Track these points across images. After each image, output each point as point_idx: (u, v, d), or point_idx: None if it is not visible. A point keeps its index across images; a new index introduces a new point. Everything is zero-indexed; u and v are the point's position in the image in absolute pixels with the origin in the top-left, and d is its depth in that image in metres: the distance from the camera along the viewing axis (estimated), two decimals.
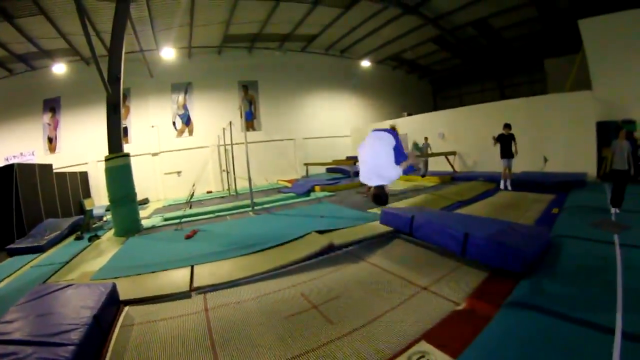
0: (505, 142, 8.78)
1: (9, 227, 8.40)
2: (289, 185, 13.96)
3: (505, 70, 20.30)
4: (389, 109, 20.46)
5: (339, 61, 19.38)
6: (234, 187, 13.69)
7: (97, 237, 7.92)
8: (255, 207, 9.56)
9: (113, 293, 3.81)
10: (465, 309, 3.30)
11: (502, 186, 8.77)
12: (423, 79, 23.79)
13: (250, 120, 17.40)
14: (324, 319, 3.27)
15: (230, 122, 11.83)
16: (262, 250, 5.37)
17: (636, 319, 2.61)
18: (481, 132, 11.58)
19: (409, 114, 17.36)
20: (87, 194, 13.81)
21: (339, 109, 19.38)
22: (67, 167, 13.40)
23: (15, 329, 2.85)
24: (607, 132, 9.31)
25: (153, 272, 4.83)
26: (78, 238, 8.01)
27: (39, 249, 7.13)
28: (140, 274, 4.80)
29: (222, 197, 13.49)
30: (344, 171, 14.97)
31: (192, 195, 9.01)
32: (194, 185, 13.20)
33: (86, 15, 8.59)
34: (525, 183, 9.16)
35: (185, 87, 16.34)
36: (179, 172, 16.00)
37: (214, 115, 16.02)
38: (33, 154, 14.61)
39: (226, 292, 4.04)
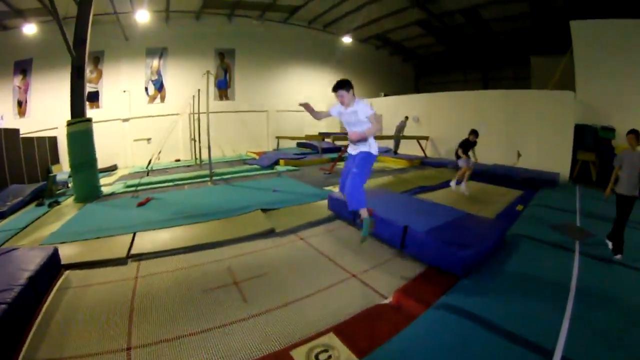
0: (465, 147, 7.81)
1: None
2: (257, 157, 14.29)
3: (490, 62, 20.58)
4: (369, 88, 20.58)
5: (321, 36, 19.28)
6: (200, 156, 13.99)
7: (58, 203, 8.29)
8: (215, 178, 9.93)
9: (53, 257, 4.25)
10: (390, 304, 3.22)
11: (452, 185, 7.79)
12: (407, 62, 23.86)
13: (224, 89, 17.39)
14: (240, 297, 3.41)
15: (199, 90, 12.00)
16: (206, 221, 5.85)
17: (580, 346, 2.42)
18: (457, 120, 11.95)
19: (386, 95, 17.62)
20: (56, 160, 13.90)
21: (317, 84, 19.36)
22: (36, 131, 13.32)
23: None
24: (584, 135, 9.71)
25: (98, 237, 5.28)
26: (39, 204, 8.34)
27: (0, 215, 7.51)
28: (86, 240, 5.24)
29: (188, 166, 13.76)
30: (313, 147, 15.33)
31: (150, 163, 9.32)
32: (159, 152, 13.53)
33: None
34: (495, 176, 9.22)
35: (160, 52, 16.15)
36: (148, 139, 16.05)
37: (187, 82, 15.95)
38: (2, 118, 14.43)
39: (159, 260, 4.47)
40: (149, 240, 5.08)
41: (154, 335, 2.87)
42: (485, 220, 4.82)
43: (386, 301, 3.26)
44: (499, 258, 3.93)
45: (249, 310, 3.15)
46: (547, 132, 10.21)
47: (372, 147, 3.77)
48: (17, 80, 14.49)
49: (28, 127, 13.41)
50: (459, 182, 7.71)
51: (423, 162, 11.92)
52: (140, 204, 7.34)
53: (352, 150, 3.91)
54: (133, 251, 4.69)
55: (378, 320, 2.95)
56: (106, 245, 5.00)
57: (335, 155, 12.51)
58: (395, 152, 13.56)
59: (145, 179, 9.78)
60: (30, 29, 13.35)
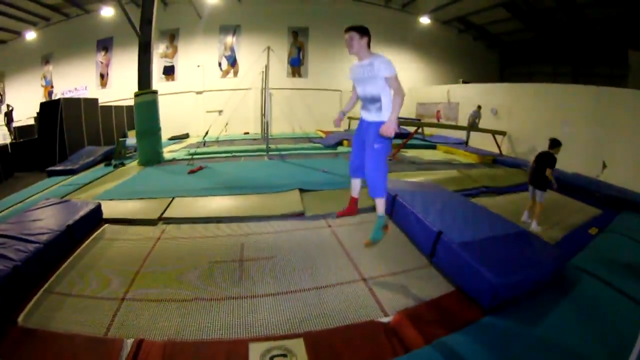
0: (540, 163, 5.45)
1: (52, 152, 10.31)
2: (324, 136, 14.43)
3: (583, 56, 18.05)
4: (448, 74, 19.47)
5: (399, 16, 18.54)
6: (267, 130, 14.54)
7: (123, 164, 9.31)
8: (272, 153, 10.30)
9: (96, 211, 4.87)
10: (388, 325, 2.73)
11: (524, 218, 5.67)
12: (492, 50, 21.98)
13: (297, 67, 17.75)
14: (238, 275, 3.45)
15: (265, 66, 12.43)
16: (243, 194, 6.13)
17: None
18: (538, 116, 10.73)
19: (464, 82, 16.59)
20: (132, 126, 15.48)
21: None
22: (115, 100, 15.05)
23: (12, 228, 3.95)
24: None
25: (141, 198, 5.87)
26: (107, 165, 9.44)
27: (72, 172, 8.66)
28: (130, 199, 5.88)
29: (254, 139, 14.41)
30: None
31: (206, 134, 9.98)
32: (226, 124, 14.33)
33: None
34: (571, 187, 7.67)
35: (234, 29, 16.97)
36: (220, 111, 17.05)
37: (260, 58, 16.56)
38: (86, 89, 17.15)
39: (185, 226, 4.79)
40: (183, 206, 5.49)
41: (148, 293, 3.15)
42: (543, 243, 3.77)
43: (384, 320, 2.76)
44: (546, 297, 3.01)
45: (237, 290, 3.19)
46: None
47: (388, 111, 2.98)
48: (100, 56, 17.13)
49: (108, 97, 15.63)
50: (529, 216, 5.67)
51: (496, 160, 10.75)
52: (192, 172, 7.92)
53: (366, 115, 3.18)
54: (165, 215, 5.12)
55: (362, 339, 2.55)
56: (145, 206, 5.52)
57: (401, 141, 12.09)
58: (466, 144, 12.78)
59: (206, 149, 10.52)
60: (107, 12, 15.24)
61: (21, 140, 12.25)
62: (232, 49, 17.17)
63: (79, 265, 3.79)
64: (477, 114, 12.47)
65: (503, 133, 11.93)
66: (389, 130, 2.76)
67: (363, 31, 3.03)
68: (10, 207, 6.03)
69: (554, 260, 3.46)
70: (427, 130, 14.55)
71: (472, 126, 12.20)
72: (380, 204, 3.17)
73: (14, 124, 14.78)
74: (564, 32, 16.86)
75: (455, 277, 3.34)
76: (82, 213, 4.54)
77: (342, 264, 3.67)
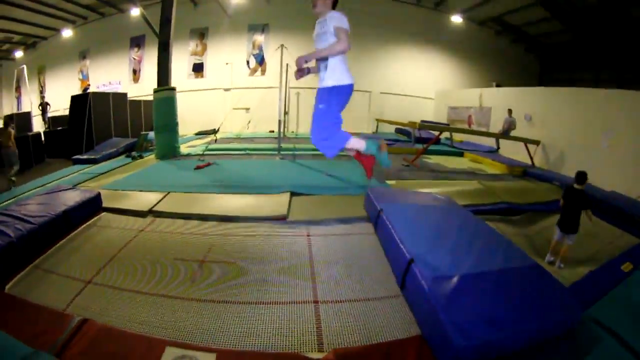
0: (572, 205, 4.82)
1: (80, 142, 11.56)
2: None
3: (628, 61, 17.02)
4: (481, 76, 19.19)
5: (432, 15, 18.48)
6: (287, 129, 15.42)
7: (141, 157, 10.20)
8: (284, 153, 10.74)
9: (95, 199, 5.58)
10: None
11: (548, 259, 4.95)
12: (529, 54, 21.23)
13: None
14: (192, 276, 3.60)
15: (287, 65, 12.95)
16: (237, 193, 6.56)
17: None
18: (578, 125, 9.94)
19: (498, 85, 16.33)
20: None
21: (425, 69, 18.83)
22: (147, 95, 16.13)
23: (18, 209, 4.73)
24: None
25: (141, 190, 6.56)
26: (128, 156, 10.35)
27: (94, 161, 9.67)
28: (131, 190, 6.59)
29: (275, 138, 14.98)
30: (409, 134, 15.12)
31: (217, 131, 10.68)
32: (249, 122, 15.07)
33: None
34: (609, 209, 6.59)
35: (262, 28, 17.75)
36: (247, 109, 17.87)
37: (290, 57, 17.10)
38: (119, 83, 19.02)
39: (170, 221, 5.27)
40: (174, 201, 6.06)
41: (109, 279, 3.65)
42: (554, 283, 2.98)
43: (313, 356, 2.47)
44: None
45: (183, 291, 3.33)
46: None
47: (338, 73, 2.92)
48: (133, 53, 18.87)
49: (140, 91, 17.02)
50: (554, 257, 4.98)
51: (526, 172, 10.06)
52: (198, 167, 8.53)
53: (320, 81, 3.05)
54: (155, 208, 5.70)
55: None
56: (141, 198, 6.19)
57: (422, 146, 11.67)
58: (497, 152, 12.47)
59: (220, 145, 11.21)
60: (135, 12, 16.27)
61: (53, 129, 13.84)
62: (260, 48, 17.93)
63: (67, 247, 4.45)
64: (511, 120, 12.05)
65: (536, 142, 11.25)
66: (298, 61, 2.82)
67: None
68: (30, 190, 7.03)
69: (563, 310, 2.68)
70: (458, 136, 14.39)
71: (505, 133, 11.90)
72: (353, 144, 3.04)
73: (49, 115, 16.65)
74: (607, 33, 16.01)
75: (418, 320, 2.80)
76: (79, 200, 5.26)
77: (300, 280, 3.49)
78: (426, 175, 8.52)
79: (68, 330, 2.69)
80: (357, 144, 3.03)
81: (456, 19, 18.17)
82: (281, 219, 5.20)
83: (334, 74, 2.90)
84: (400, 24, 18.24)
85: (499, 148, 12.72)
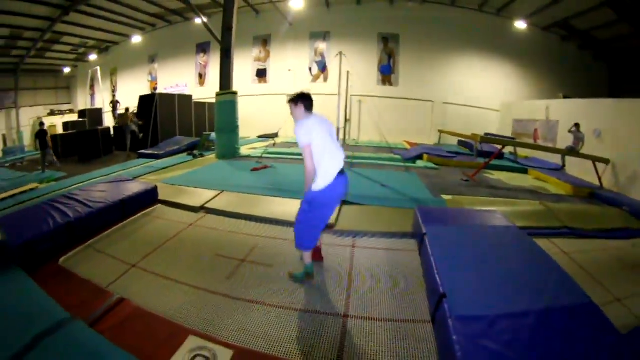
0: None
1: (146, 138, 12.49)
2: (409, 148, 14.30)
3: None
4: (549, 88, 17.77)
5: (495, 21, 17.58)
6: (349, 137, 15.37)
7: (202, 155, 10.69)
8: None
9: (152, 192, 5.90)
10: None
11: None
12: (599, 61, 19.27)
13: (388, 75, 17.97)
14: (230, 273, 3.68)
15: (348, 72, 13.00)
16: (288, 197, 6.44)
17: None
18: None
19: (565, 96, 15.11)
20: None
21: (488, 78, 17.90)
22: (211, 98, 16.99)
23: (81, 194, 5.16)
24: None
25: (196, 187, 6.78)
26: (189, 154, 10.87)
27: (157, 156, 10.29)
28: (187, 186, 6.84)
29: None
30: (471, 147, 14.49)
31: (276, 135, 11.40)
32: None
33: None
34: None
35: (323, 35, 18.09)
36: None
37: (350, 64, 17.24)
38: (186, 86, 20.52)
39: (219, 218, 5.40)
40: (227, 200, 6.18)
41: (152, 266, 3.82)
42: (607, 328, 2.48)
43: None
44: None
45: (216, 285, 3.41)
46: None
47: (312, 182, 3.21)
48: (199, 58, 20.36)
49: (205, 94, 18.04)
50: None
51: (593, 194, 9.06)
52: (255, 169, 8.70)
53: None
54: (207, 205, 5.85)
55: None
56: (196, 194, 6.37)
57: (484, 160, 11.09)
58: (562, 169, 11.49)
59: (279, 149, 11.44)
60: (199, 20, 17.31)
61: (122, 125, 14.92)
62: (322, 55, 18.26)
63: (120, 233, 4.72)
64: (580, 135, 11.07)
65: (606, 161, 10.19)
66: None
67: (293, 100, 3.37)
68: (96, 178, 7.66)
69: None
70: (524, 152, 13.45)
71: (572, 150, 10.97)
72: (304, 255, 3.44)
73: (118, 112, 18.18)
74: None
75: (440, 358, 2.55)
76: (137, 191, 5.61)
77: (335, 292, 3.38)
78: (485, 191, 7.90)
79: (105, 306, 2.94)
80: (306, 258, 3.41)
81: (520, 25, 17.08)
82: (328, 227, 5.01)
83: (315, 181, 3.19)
84: (463, 31, 17.61)
85: (564, 166, 11.68)
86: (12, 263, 3.56)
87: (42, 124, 10.94)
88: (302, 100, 3.30)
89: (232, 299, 3.20)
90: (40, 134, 10.21)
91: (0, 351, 2.38)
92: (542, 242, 4.09)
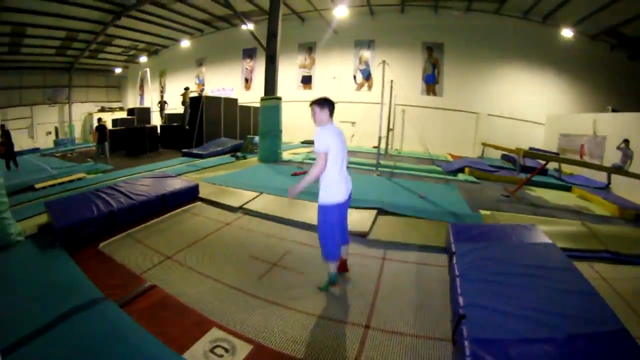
0: None
1: (191, 137, 12.90)
2: (451, 160, 13.93)
3: None
4: (595, 101, 16.58)
5: (540, 30, 16.63)
6: (390, 146, 15.13)
7: (245, 158, 10.88)
8: (381, 169, 10.28)
9: (193, 190, 6.01)
10: None
11: None
12: None
13: (432, 84, 17.56)
14: (261, 274, 3.70)
15: (392, 81, 12.84)
16: None
17: None
18: None
19: (614, 110, 14.03)
20: None
21: (534, 89, 17.01)
22: (257, 102, 17.33)
23: (125, 186, 5.36)
24: None
25: (237, 188, 6.83)
26: (232, 156, 11.10)
27: (200, 156, 10.60)
28: (228, 186, 6.90)
29: (376, 153, 14.85)
30: (515, 161, 13.90)
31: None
32: (352, 136, 15.28)
33: None
34: None
35: (367, 44, 18.01)
36: (353, 122, 18.11)
37: (394, 73, 16.96)
38: (232, 90, 21.28)
39: (256, 220, 5.41)
40: (265, 202, 6.17)
41: (187, 260, 3.90)
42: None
43: None
44: None
45: (246, 285, 3.44)
46: None
47: (325, 193, 3.21)
48: (245, 63, 21.09)
49: (251, 98, 18.51)
50: None
51: None
52: (295, 174, 8.67)
53: None
54: (246, 205, 5.87)
55: None
56: (235, 194, 6.42)
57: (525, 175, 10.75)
58: (607, 188, 10.71)
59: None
60: (247, 27, 17.77)
61: (168, 124, 15.94)
62: (366, 63, 18.15)
63: (160, 225, 4.84)
64: (629, 152, 10.36)
65: None
66: (291, 191, 3.28)
67: (316, 103, 3.30)
68: (141, 172, 7.97)
69: None
70: (569, 168, 12.72)
71: (619, 168, 10.24)
72: (330, 266, 3.41)
73: (166, 112, 19.01)
74: None
75: None
76: (179, 188, 5.73)
77: (360, 302, 3.31)
78: (524, 209, 7.43)
79: (138, 290, 3.12)
80: (331, 267, 3.40)
81: (566, 33, 16.01)
82: (361, 236, 4.97)
83: (322, 194, 3.21)
84: (508, 40, 16.87)
85: (609, 184, 10.89)
86: (55, 242, 3.98)
87: (100, 119, 11.61)
88: (329, 105, 3.27)
89: (260, 299, 3.23)
90: (100, 128, 10.80)
91: (34, 320, 2.61)
92: (580, 265, 3.82)
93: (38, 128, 23.83)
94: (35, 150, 18.03)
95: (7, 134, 10.91)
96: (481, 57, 17.04)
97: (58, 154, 14.87)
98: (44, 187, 7.34)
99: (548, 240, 4.19)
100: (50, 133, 24.03)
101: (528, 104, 17.08)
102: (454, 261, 3.61)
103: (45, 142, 22.93)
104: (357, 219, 5.49)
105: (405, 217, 5.83)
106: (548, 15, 15.89)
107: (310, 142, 15.69)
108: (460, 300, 2.85)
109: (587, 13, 14.48)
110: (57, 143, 21.02)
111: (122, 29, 19.28)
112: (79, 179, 7.97)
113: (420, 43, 17.44)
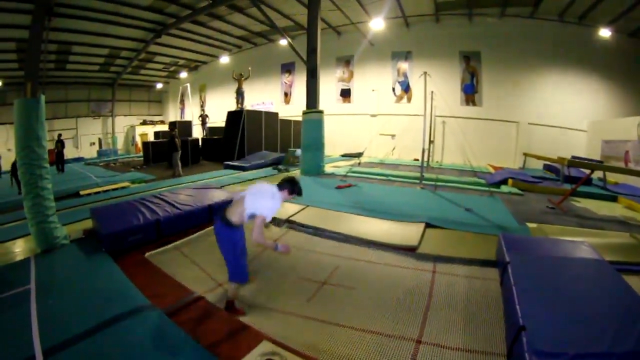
0: None
1: (233, 150, 13.16)
2: (493, 171, 13.44)
3: None
4: (637, 102, 15.33)
5: (576, 31, 15.63)
6: (432, 158, 14.80)
7: (287, 170, 10.91)
8: (425, 182, 9.96)
9: None
10: None
11: None
12: None
13: (471, 94, 17.00)
14: (310, 296, 3.61)
15: (432, 92, 12.48)
16: (372, 217, 6.17)
17: None
18: None
19: None
20: None
21: (574, 94, 16.03)
22: (296, 116, 17.32)
23: (171, 196, 5.37)
24: None
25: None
26: (274, 168, 11.13)
27: (242, 168, 10.67)
28: None
29: (419, 166, 14.42)
30: (558, 171, 13.13)
31: (360, 154, 10.76)
32: (393, 149, 14.97)
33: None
34: None
35: (405, 55, 17.77)
36: (393, 135, 17.83)
37: (433, 84, 16.42)
38: (272, 104, 21.72)
39: (301, 234, 5.30)
40: (311, 214, 5.99)
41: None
42: None
43: None
44: None
45: (294, 306, 3.39)
46: None
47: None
48: (284, 78, 21.51)
49: (290, 112, 19.04)
50: None
51: None
52: (339, 187, 8.48)
53: None
54: (292, 218, 5.73)
55: None
56: (281, 207, 6.20)
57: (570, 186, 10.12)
58: None
59: (363, 169, 11.27)
60: (283, 42, 17.79)
61: (210, 137, 16.44)
62: (405, 75, 17.89)
63: (205, 238, 4.74)
64: None
65: None
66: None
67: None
68: (184, 183, 8.06)
69: None
70: (613, 177, 11.81)
71: None
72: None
73: (207, 125, 19.50)
74: None
75: None
76: (222, 199, 5.65)
77: (411, 317, 3.25)
78: (571, 221, 6.97)
79: (185, 300, 3.16)
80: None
81: (604, 33, 14.86)
82: (411, 250, 4.88)
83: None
84: (544, 45, 16.05)
85: None
86: (100, 248, 4.11)
87: (172, 129, 12.19)
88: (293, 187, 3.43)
89: (309, 318, 3.19)
90: (170, 139, 11.14)
91: (79, 324, 2.66)
92: (630, 279, 3.73)
93: (82, 139, 25.26)
94: (79, 159, 19.00)
95: (61, 143, 12.99)
96: (518, 63, 16.35)
97: (101, 164, 15.43)
98: (88, 194, 7.58)
99: (599, 257, 4.10)
100: (93, 144, 25.44)
101: (568, 110, 16.06)
102: (509, 271, 3.52)
103: (89, 152, 24.30)
104: (405, 233, 5.40)
105: (452, 231, 5.72)
106: (583, 16, 15.01)
107: (350, 156, 15.69)
108: (519, 310, 2.76)
109: (623, 9, 13.53)
110: (100, 153, 21.97)
111: (163, 46, 20.09)
112: (123, 187, 8.10)
113: (457, 52, 16.97)
